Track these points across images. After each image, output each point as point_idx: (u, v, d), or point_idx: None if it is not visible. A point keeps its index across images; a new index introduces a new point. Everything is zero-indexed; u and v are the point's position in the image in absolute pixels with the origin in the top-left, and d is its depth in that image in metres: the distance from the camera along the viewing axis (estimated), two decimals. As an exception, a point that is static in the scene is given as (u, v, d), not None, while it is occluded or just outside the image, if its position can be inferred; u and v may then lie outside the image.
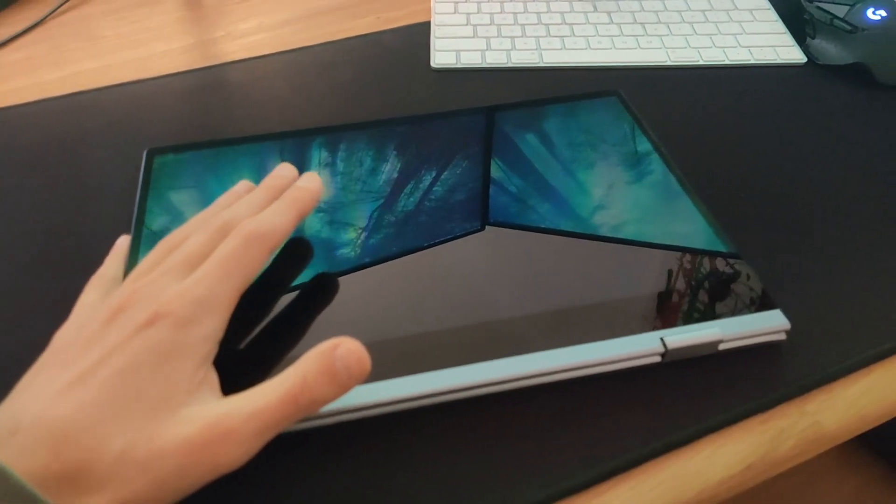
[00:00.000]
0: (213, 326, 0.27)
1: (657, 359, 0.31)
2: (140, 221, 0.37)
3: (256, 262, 0.29)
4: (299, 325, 0.32)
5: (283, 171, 0.36)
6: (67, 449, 0.22)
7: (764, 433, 0.30)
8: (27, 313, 0.35)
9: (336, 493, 0.28)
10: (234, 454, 0.24)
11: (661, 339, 0.31)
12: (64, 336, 0.28)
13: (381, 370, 0.30)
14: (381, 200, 0.38)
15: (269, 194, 0.34)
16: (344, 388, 0.26)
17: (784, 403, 0.31)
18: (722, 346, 0.32)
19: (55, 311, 0.34)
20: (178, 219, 0.37)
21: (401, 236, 0.36)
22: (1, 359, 0.33)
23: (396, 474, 0.28)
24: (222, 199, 0.34)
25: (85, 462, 0.22)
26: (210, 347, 0.26)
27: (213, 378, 0.27)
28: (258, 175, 0.40)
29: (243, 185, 0.36)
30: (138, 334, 0.25)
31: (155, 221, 0.37)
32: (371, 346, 0.30)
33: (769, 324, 0.32)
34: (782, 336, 0.32)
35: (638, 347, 0.31)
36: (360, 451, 0.29)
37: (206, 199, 0.38)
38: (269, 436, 0.25)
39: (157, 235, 0.36)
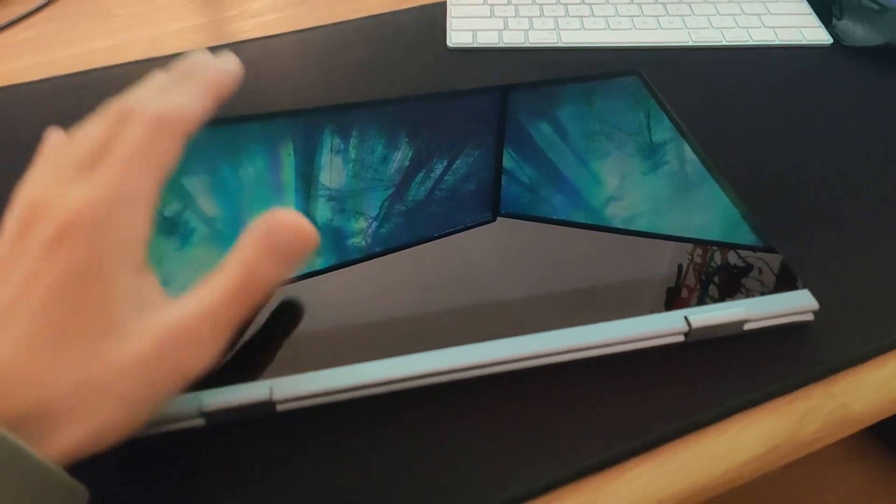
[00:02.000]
0: (135, 228, 0.24)
1: (681, 338, 0.30)
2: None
3: (168, 151, 0.25)
4: (304, 312, 0.31)
5: (198, 56, 0.29)
6: (15, 391, 0.21)
7: (789, 415, 0.29)
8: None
9: (344, 471, 0.27)
10: (197, 357, 0.23)
11: (685, 318, 0.30)
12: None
13: (395, 347, 0.29)
14: (392, 189, 0.37)
15: (178, 78, 0.28)
16: (291, 264, 0.25)
17: (810, 385, 0.30)
18: (747, 327, 0.31)
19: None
20: (191, 199, 0.36)
21: (411, 226, 0.35)
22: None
23: (414, 450, 0.27)
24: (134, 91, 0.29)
25: (39, 400, 0.21)
26: (137, 249, 0.24)
27: (154, 281, 0.25)
28: (272, 156, 0.39)
29: (157, 76, 0.30)
30: (50, 255, 0.22)
31: (168, 204, 0.36)
32: (387, 324, 0.30)
33: (797, 304, 0.31)
34: (810, 317, 0.31)
35: (662, 326, 0.30)
36: (372, 428, 0.28)
37: (220, 180, 0.38)
38: (228, 330, 0.24)
39: (171, 218, 0.35)
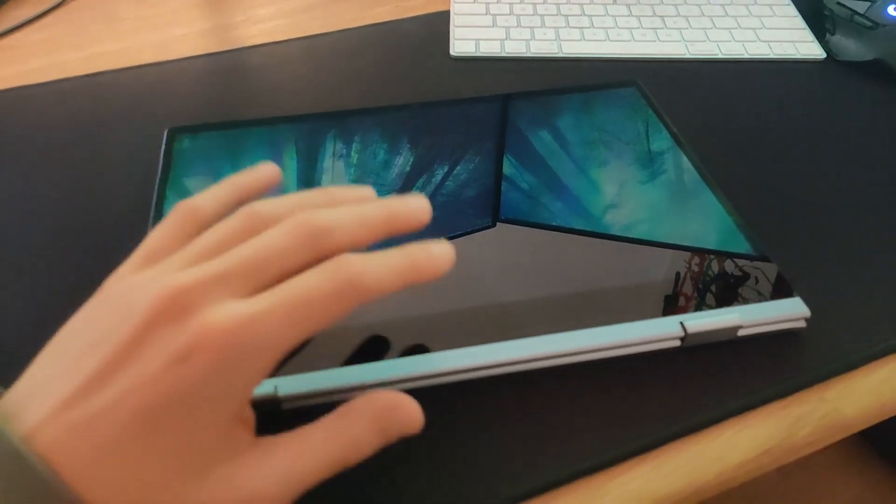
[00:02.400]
0: (258, 376, 0.22)
1: (677, 343, 0.31)
2: (161, 198, 0.37)
3: (337, 316, 0.22)
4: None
5: (415, 201, 0.26)
6: (89, 489, 0.20)
7: (783, 419, 0.30)
8: (45, 294, 0.35)
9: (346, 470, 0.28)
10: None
11: (681, 323, 0.31)
12: (97, 311, 0.24)
13: (396, 349, 0.30)
14: (393, 194, 0.38)
15: (387, 226, 0.25)
16: (388, 443, 0.24)
17: (803, 390, 0.31)
18: (741, 332, 0.32)
19: (73, 292, 0.34)
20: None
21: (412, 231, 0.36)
22: (16, 341, 0.33)
23: (413, 451, 0.28)
24: (333, 192, 0.27)
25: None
26: (247, 395, 0.22)
27: (249, 419, 0.24)
28: (275, 159, 0.40)
29: (363, 190, 0.27)
30: (172, 368, 0.20)
31: (174, 204, 0.37)
32: (389, 326, 0.30)
33: (789, 311, 0.32)
34: (802, 324, 0.32)
35: (658, 331, 0.31)
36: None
37: (221, 177, 0.38)
38: (306, 491, 0.23)
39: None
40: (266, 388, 0.28)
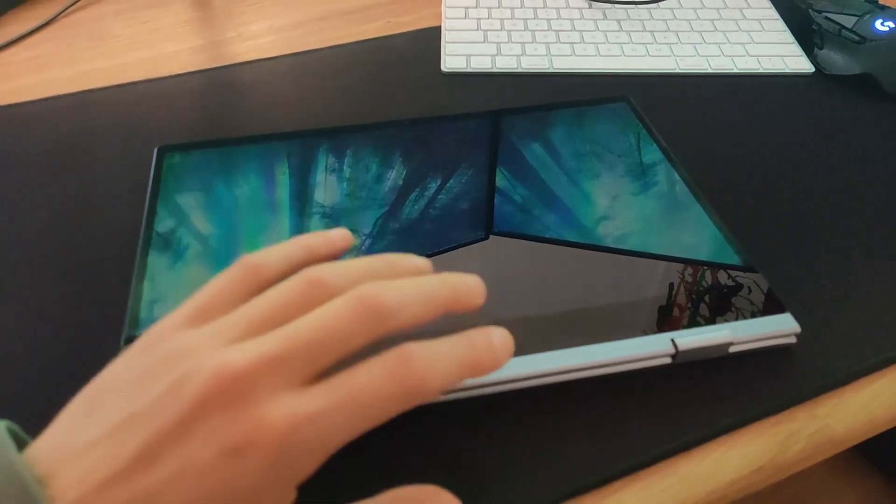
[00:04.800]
0: (310, 471, 0.21)
1: (668, 360, 0.31)
2: (152, 215, 0.37)
3: (396, 414, 0.22)
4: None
5: (473, 282, 0.26)
6: None
7: (774, 436, 0.30)
8: (33, 313, 0.34)
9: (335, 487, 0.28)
10: None
11: (672, 341, 0.31)
12: (140, 363, 0.22)
13: None
14: (386, 207, 0.38)
15: (449, 306, 0.24)
16: None
17: (794, 407, 0.31)
18: (732, 349, 0.32)
19: (61, 312, 0.34)
20: (186, 216, 0.37)
21: (404, 244, 0.36)
22: (5, 363, 0.32)
23: (399, 472, 0.28)
24: (374, 265, 0.25)
25: None
26: (295, 488, 0.22)
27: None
28: (267, 174, 0.40)
29: (340, 232, 0.29)
30: (224, 462, 0.20)
31: (164, 220, 0.37)
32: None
33: (779, 327, 0.32)
34: (792, 339, 0.32)
35: (649, 348, 0.31)
36: (366, 445, 0.29)
37: (216, 197, 0.38)
38: None
39: (165, 234, 0.36)
40: None
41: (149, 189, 0.38)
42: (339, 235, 0.29)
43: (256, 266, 0.25)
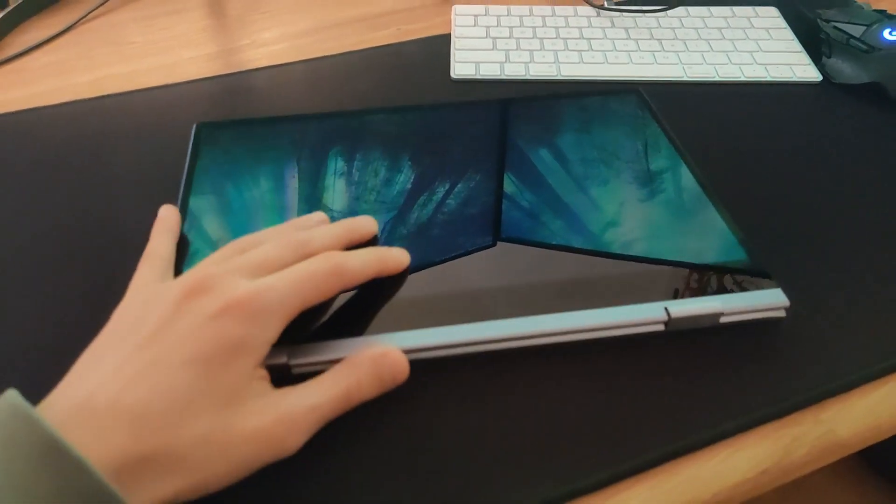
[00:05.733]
0: (274, 330, 0.28)
1: (661, 327, 0.33)
2: (187, 192, 0.39)
3: (327, 293, 0.30)
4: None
5: (365, 220, 0.36)
6: (147, 432, 0.23)
7: (779, 439, 0.31)
8: (55, 313, 0.35)
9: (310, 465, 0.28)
10: (296, 441, 0.26)
11: (665, 308, 0.32)
12: (127, 314, 0.29)
13: (395, 323, 0.32)
14: (395, 211, 0.39)
15: (348, 235, 0.34)
16: (384, 390, 0.29)
17: (799, 411, 0.31)
18: (723, 319, 0.33)
19: (81, 312, 0.35)
20: (223, 191, 0.39)
21: (414, 248, 0.36)
22: (30, 363, 0.33)
23: (395, 466, 0.29)
24: (298, 221, 0.35)
25: (164, 445, 0.24)
26: (266, 351, 0.28)
27: (265, 375, 0.28)
28: (277, 179, 0.40)
29: (318, 215, 0.36)
30: (210, 323, 0.26)
31: (202, 193, 0.39)
32: (390, 301, 0.33)
33: (769, 300, 0.33)
34: (782, 313, 0.34)
35: (643, 314, 0.32)
36: (362, 439, 0.30)
37: (249, 172, 0.40)
38: (321, 425, 0.28)
39: (206, 202, 0.38)
40: (279, 357, 0.30)
41: (186, 165, 0.41)
42: (370, 226, 0.36)
43: (304, 244, 0.32)
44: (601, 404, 0.31)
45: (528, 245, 0.37)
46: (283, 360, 0.30)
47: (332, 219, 0.37)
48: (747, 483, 0.29)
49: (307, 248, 0.31)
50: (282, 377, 0.29)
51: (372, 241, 0.36)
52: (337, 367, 0.29)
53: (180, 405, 0.24)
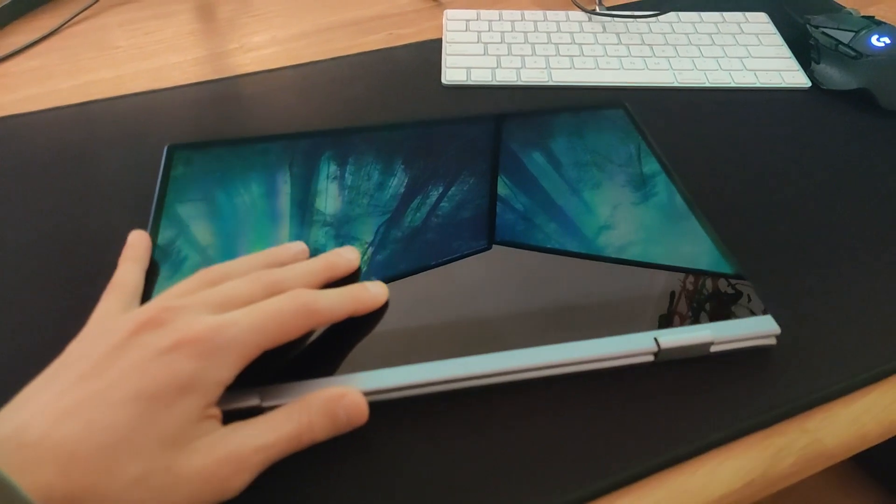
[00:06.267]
0: (228, 371, 0.26)
1: (650, 358, 0.32)
2: (158, 216, 0.38)
3: (295, 333, 0.29)
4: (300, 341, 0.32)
5: (347, 253, 0.35)
6: (76, 470, 0.22)
7: (764, 450, 0.30)
8: (37, 321, 0.35)
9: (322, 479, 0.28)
10: (240, 481, 0.25)
11: (655, 339, 0.32)
12: (80, 345, 0.27)
13: (381, 359, 0.31)
14: (388, 215, 0.38)
15: (326, 273, 0.33)
16: (338, 432, 0.28)
17: (785, 421, 0.31)
18: (714, 349, 0.33)
19: (65, 320, 0.35)
20: (194, 217, 0.38)
21: (407, 253, 0.36)
22: (6, 372, 0.33)
23: (390, 479, 0.28)
24: (274, 252, 0.34)
25: (94, 485, 0.22)
26: (219, 391, 0.26)
27: (218, 413, 0.27)
28: (269, 182, 0.40)
29: (297, 245, 0.35)
30: (160, 358, 0.25)
31: (172, 221, 0.38)
32: (376, 340, 0.32)
33: (759, 328, 0.33)
34: (772, 341, 0.33)
35: (632, 346, 0.32)
36: (341, 441, 0.29)
37: (223, 196, 0.39)
38: (267, 465, 0.26)
39: (177, 226, 0.37)
40: (250, 398, 0.29)
41: (157, 188, 0.40)
42: (352, 259, 0.35)
43: (277, 283, 0.31)
44: (583, 423, 0.31)
45: (522, 248, 0.37)
46: (255, 401, 0.29)
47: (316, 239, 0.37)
48: (734, 494, 0.29)
49: (279, 285, 0.30)
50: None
51: (354, 275, 0.35)
52: (290, 405, 0.28)
53: (116, 444, 0.23)
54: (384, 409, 0.30)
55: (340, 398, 0.28)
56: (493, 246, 0.37)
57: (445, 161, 0.42)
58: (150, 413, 0.24)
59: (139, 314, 0.27)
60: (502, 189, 0.40)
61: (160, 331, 0.26)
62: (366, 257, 0.36)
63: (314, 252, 0.36)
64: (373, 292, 0.33)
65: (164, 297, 0.29)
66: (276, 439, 0.26)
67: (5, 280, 0.37)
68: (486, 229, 0.38)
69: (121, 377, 0.24)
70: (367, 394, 0.30)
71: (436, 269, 0.35)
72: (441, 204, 0.39)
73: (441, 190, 0.40)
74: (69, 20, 0.60)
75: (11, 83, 0.53)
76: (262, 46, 0.57)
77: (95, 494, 0.22)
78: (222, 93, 0.51)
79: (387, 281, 0.35)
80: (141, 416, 0.24)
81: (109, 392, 0.24)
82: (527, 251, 0.36)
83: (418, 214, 0.38)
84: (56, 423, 0.23)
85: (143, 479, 0.23)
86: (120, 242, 0.37)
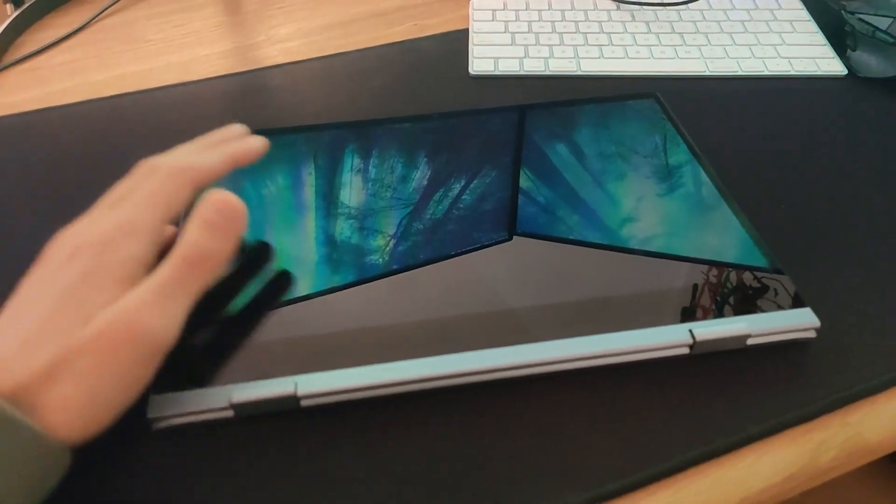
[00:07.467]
0: (132, 248, 0.28)
1: (686, 350, 0.31)
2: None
3: (178, 193, 0.30)
4: (329, 318, 0.32)
5: (231, 128, 0.36)
6: (5, 375, 0.24)
7: (805, 444, 0.30)
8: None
9: (361, 466, 0.28)
10: (148, 327, 0.26)
11: (690, 331, 0.31)
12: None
13: (412, 351, 0.31)
14: (411, 208, 0.38)
15: (206, 145, 0.34)
16: (227, 235, 0.29)
17: (826, 414, 0.31)
18: (750, 342, 0.32)
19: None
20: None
21: (428, 244, 0.36)
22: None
23: (411, 471, 0.28)
24: (200, 141, 0.35)
25: (21, 382, 0.24)
26: (132, 267, 0.27)
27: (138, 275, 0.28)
28: (301, 167, 0.40)
29: (236, 128, 0.37)
30: (61, 268, 0.27)
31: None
32: (406, 330, 0.32)
33: (798, 321, 0.32)
34: (812, 334, 0.32)
35: (668, 338, 0.31)
36: (388, 426, 0.30)
37: (249, 187, 0.39)
38: (177, 300, 0.27)
39: None
40: (287, 385, 0.29)
41: None
42: (235, 129, 0.37)
43: (153, 164, 0.32)
44: (619, 416, 0.30)
45: (543, 240, 0.36)
46: (290, 390, 0.29)
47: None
48: (774, 488, 0.29)
49: (155, 165, 0.31)
50: (291, 411, 0.30)
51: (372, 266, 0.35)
52: None
53: (33, 342, 0.25)
54: (407, 400, 0.30)
55: (203, 204, 0.29)
56: (514, 237, 0.36)
57: (468, 154, 0.42)
58: (57, 312, 0.26)
59: (43, 251, 0.29)
60: (525, 182, 0.40)
61: (65, 246, 0.28)
62: (388, 249, 0.36)
63: (339, 244, 0.36)
64: (248, 142, 0.34)
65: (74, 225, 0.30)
66: (159, 274, 0.27)
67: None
68: (506, 221, 0.37)
69: (32, 298, 0.27)
70: (392, 385, 0.30)
71: (456, 258, 0.35)
72: (463, 196, 0.39)
73: (463, 182, 0.40)
74: (99, 14, 0.61)
75: (44, 76, 0.53)
76: (288, 38, 0.57)
77: (25, 390, 0.24)
78: (249, 85, 0.51)
79: (407, 271, 0.34)
80: (49, 316, 0.26)
81: (32, 309, 0.26)
82: (548, 242, 0.36)
83: (440, 207, 0.38)
84: None
85: (50, 363, 0.25)
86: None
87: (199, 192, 0.31)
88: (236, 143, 0.34)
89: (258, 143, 0.34)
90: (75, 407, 0.25)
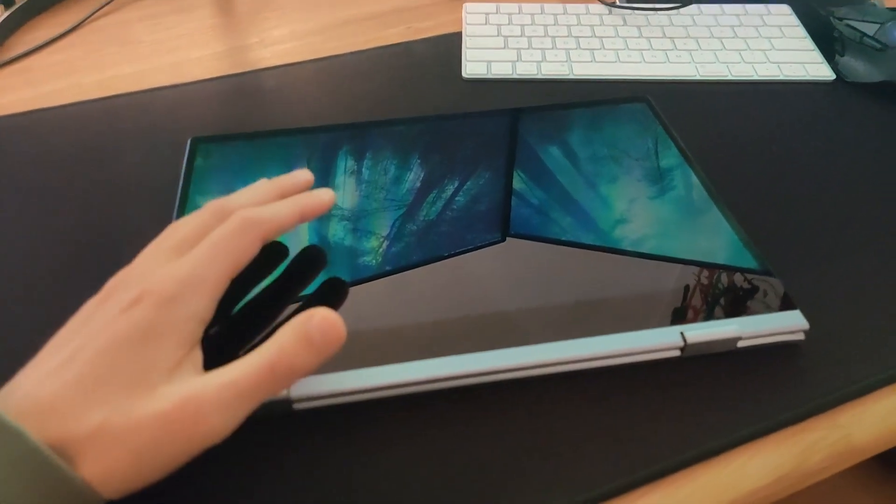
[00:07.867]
0: (196, 306, 0.27)
1: (677, 353, 0.32)
2: (182, 208, 0.38)
3: (247, 248, 0.30)
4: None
5: (300, 174, 0.36)
6: (50, 423, 0.24)
7: (795, 445, 0.30)
8: (60, 315, 0.35)
9: (354, 469, 0.28)
10: (211, 425, 0.25)
11: (681, 333, 0.32)
12: (67, 324, 0.29)
13: (405, 354, 0.31)
14: (404, 209, 0.38)
15: (277, 191, 0.34)
16: (320, 355, 0.27)
17: (816, 416, 0.31)
18: (741, 344, 0.32)
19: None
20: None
21: (422, 246, 0.36)
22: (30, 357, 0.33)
23: (411, 475, 0.28)
24: (235, 193, 0.34)
25: (65, 434, 0.24)
26: (193, 327, 0.27)
27: (197, 357, 0.27)
28: (295, 169, 0.40)
29: (261, 182, 0.36)
30: (123, 314, 0.26)
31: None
32: (399, 333, 0.32)
33: (787, 323, 0.32)
34: (801, 336, 0.33)
35: (659, 340, 0.31)
36: (382, 428, 0.30)
37: (245, 185, 0.39)
38: (247, 405, 0.25)
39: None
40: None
41: (181, 180, 0.40)
42: (303, 176, 0.36)
43: (223, 208, 0.32)
44: (609, 418, 0.31)
45: (536, 241, 0.37)
46: (283, 393, 0.29)
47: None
48: (764, 489, 0.29)
49: (225, 209, 0.31)
50: (284, 414, 0.30)
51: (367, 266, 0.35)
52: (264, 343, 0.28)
53: (86, 395, 0.24)
54: (402, 403, 0.30)
55: (309, 318, 0.27)
56: (507, 239, 0.37)
57: (462, 156, 0.42)
58: (116, 363, 0.25)
59: (106, 285, 0.28)
60: (518, 184, 0.40)
61: (121, 292, 0.27)
62: (381, 250, 0.36)
63: (332, 245, 0.36)
64: (319, 195, 0.34)
65: (133, 264, 0.30)
66: (244, 373, 0.25)
67: (27, 274, 0.37)
68: (500, 222, 0.38)
69: (92, 338, 0.26)
70: (385, 388, 0.30)
71: (449, 260, 0.35)
72: (456, 198, 0.39)
73: (457, 184, 0.40)
74: (91, 15, 0.60)
75: (35, 78, 0.53)
76: (282, 41, 0.57)
77: (67, 444, 0.23)
78: (243, 87, 0.51)
79: (401, 272, 0.35)
80: (105, 367, 0.25)
81: (81, 353, 0.25)
82: (541, 243, 0.36)
83: (433, 208, 0.38)
84: (36, 386, 0.25)
85: (104, 424, 0.24)
86: (141, 235, 0.37)
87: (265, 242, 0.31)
88: (308, 196, 0.33)
89: (328, 197, 0.34)
90: (119, 473, 0.24)
